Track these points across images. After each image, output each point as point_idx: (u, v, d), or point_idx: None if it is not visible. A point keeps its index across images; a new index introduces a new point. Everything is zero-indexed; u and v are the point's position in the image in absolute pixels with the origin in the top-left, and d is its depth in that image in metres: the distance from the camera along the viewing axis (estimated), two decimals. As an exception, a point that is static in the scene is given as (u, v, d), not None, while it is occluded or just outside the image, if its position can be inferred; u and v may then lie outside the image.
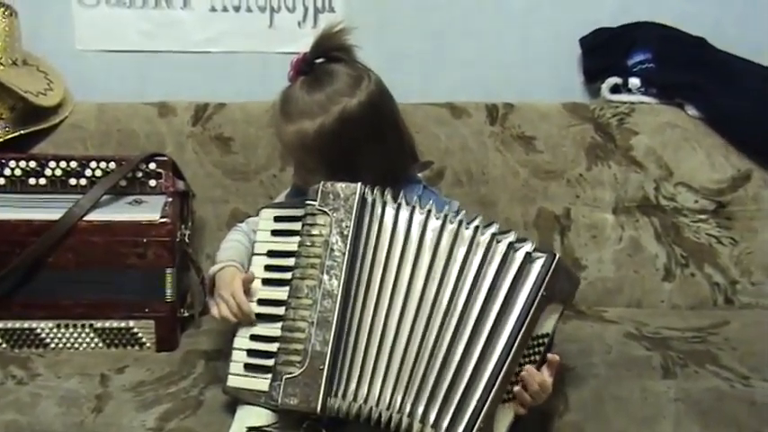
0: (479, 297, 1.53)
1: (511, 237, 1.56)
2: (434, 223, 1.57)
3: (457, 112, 2.32)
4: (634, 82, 2.38)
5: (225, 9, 2.42)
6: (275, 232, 1.66)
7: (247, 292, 1.64)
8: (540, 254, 1.55)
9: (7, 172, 2.06)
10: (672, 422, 1.70)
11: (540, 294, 1.52)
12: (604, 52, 2.43)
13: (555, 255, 1.55)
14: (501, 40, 2.48)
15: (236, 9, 2.42)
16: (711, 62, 2.37)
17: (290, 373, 1.51)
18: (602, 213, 2.28)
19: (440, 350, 1.52)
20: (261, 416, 1.60)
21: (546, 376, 1.56)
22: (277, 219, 1.67)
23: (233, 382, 1.62)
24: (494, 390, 1.50)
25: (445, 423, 1.50)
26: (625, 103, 2.37)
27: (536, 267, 1.54)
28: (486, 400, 1.49)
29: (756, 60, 2.39)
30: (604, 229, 2.27)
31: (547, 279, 1.53)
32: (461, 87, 2.45)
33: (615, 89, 2.41)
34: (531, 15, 2.46)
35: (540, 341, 1.56)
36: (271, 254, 1.65)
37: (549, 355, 1.56)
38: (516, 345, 1.51)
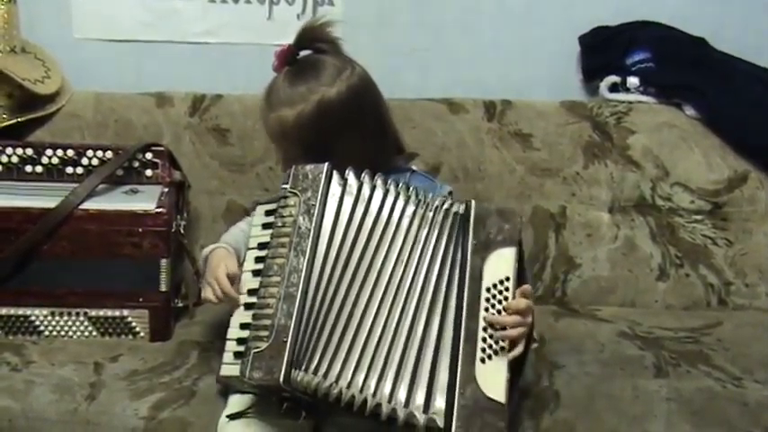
0: (423, 267, 1.58)
1: (437, 201, 1.62)
2: (390, 199, 1.61)
3: (454, 108, 2.32)
4: (633, 81, 2.38)
5: (224, 0, 2.42)
6: (265, 225, 1.67)
7: (233, 280, 1.67)
8: (457, 206, 1.61)
9: (4, 159, 2.05)
10: (663, 421, 1.70)
11: (470, 245, 1.57)
12: (603, 51, 2.43)
13: (470, 202, 1.61)
14: (500, 37, 2.48)
15: (235, 0, 2.43)
16: (711, 63, 2.37)
17: (258, 348, 1.51)
18: (597, 212, 2.28)
19: (403, 330, 1.54)
20: (244, 402, 1.62)
21: (512, 303, 1.56)
22: (267, 213, 1.69)
23: (225, 371, 1.62)
24: (460, 353, 1.51)
25: (420, 400, 1.51)
26: (623, 102, 2.37)
27: (457, 220, 1.60)
28: (457, 367, 1.51)
29: (756, 62, 2.40)
30: (599, 228, 2.27)
31: (471, 228, 1.57)
32: (459, 84, 2.45)
33: (613, 88, 2.41)
34: (530, 13, 2.46)
35: (500, 288, 1.57)
36: (261, 246, 1.66)
37: (519, 289, 1.58)
38: (465, 302, 1.54)
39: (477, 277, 1.56)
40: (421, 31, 2.47)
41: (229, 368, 1.60)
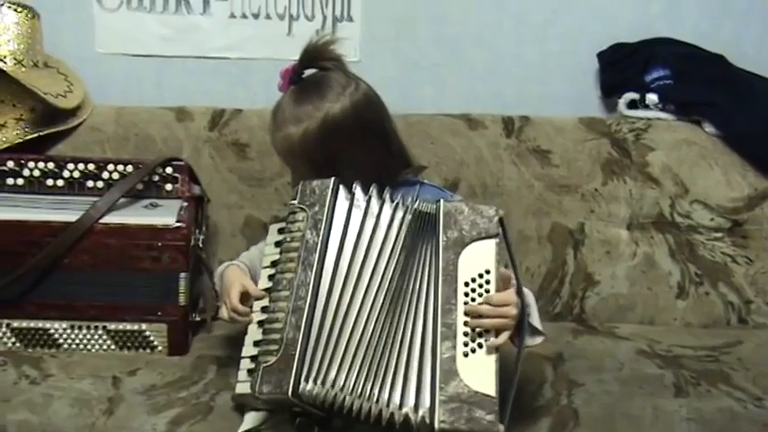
0: (406, 270, 1.59)
1: (416, 204, 1.62)
2: (392, 212, 1.62)
3: (473, 123, 2.32)
4: (651, 98, 2.37)
5: (244, 16, 2.44)
6: (277, 243, 1.68)
7: (246, 299, 1.69)
8: (427, 206, 1.62)
9: (26, 173, 2.07)
10: (683, 441, 1.69)
11: (441, 241, 1.58)
12: (622, 67, 2.43)
13: (438, 201, 1.61)
14: (519, 52, 2.48)
15: (255, 16, 2.44)
16: (730, 80, 2.37)
17: (267, 362, 1.52)
18: (616, 229, 2.27)
19: (391, 334, 1.55)
20: (259, 419, 1.63)
21: (491, 296, 1.55)
22: (279, 231, 1.70)
23: (239, 388, 1.63)
24: (438, 350, 1.52)
25: (411, 401, 1.51)
26: (642, 118, 2.36)
27: (426, 219, 1.61)
28: (436, 364, 1.51)
29: (775, 79, 2.39)
30: (618, 245, 2.26)
31: (441, 225, 1.58)
32: (478, 99, 2.46)
33: (632, 104, 2.41)
34: (549, 29, 2.46)
35: (481, 282, 1.56)
36: (273, 264, 1.67)
37: (491, 288, 1.57)
38: (441, 299, 1.54)
39: (452, 272, 1.56)
40: (440, 46, 2.47)
41: (242, 386, 1.61)
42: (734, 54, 2.41)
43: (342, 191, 1.62)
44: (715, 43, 2.42)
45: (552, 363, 1.95)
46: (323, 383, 1.51)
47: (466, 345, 1.53)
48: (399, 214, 1.62)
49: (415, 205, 1.62)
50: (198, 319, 2.07)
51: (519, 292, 1.60)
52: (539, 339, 1.66)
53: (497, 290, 1.56)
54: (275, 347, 1.53)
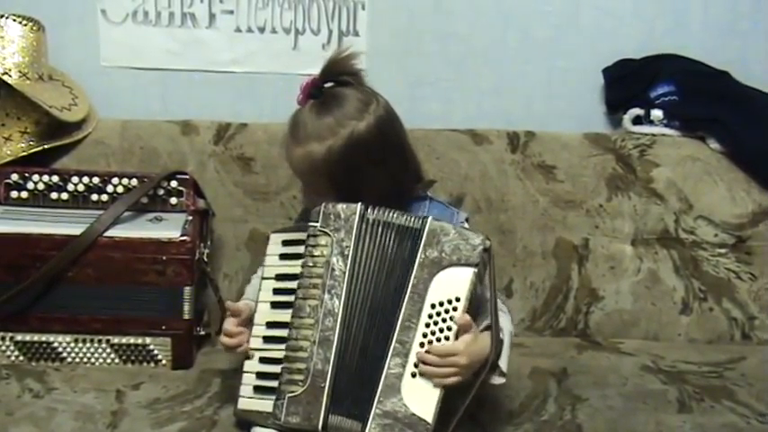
0: (388, 286, 1.58)
1: (406, 220, 1.61)
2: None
3: (478, 139, 2.32)
4: (656, 114, 2.38)
5: (250, 30, 2.44)
6: (283, 256, 1.68)
7: (246, 321, 1.69)
8: (416, 221, 1.60)
9: (30, 186, 2.07)
10: (687, 457, 1.69)
11: (417, 259, 1.56)
12: (627, 83, 2.43)
13: (426, 218, 1.59)
14: (524, 68, 2.48)
15: (261, 30, 2.44)
16: (735, 96, 2.37)
17: (293, 392, 1.54)
18: (620, 244, 2.27)
19: (366, 343, 1.57)
20: None
21: (442, 346, 1.54)
22: (285, 243, 1.69)
23: (243, 404, 1.64)
24: (387, 361, 1.53)
25: (360, 411, 1.54)
26: (647, 134, 2.36)
27: (409, 236, 1.59)
28: (381, 377, 1.52)
29: (780, 95, 2.39)
30: (623, 261, 2.26)
31: (421, 243, 1.56)
32: (483, 115, 2.46)
33: (637, 120, 2.41)
34: (554, 45, 2.47)
35: (447, 307, 1.55)
36: (279, 277, 1.67)
37: (457, 318, 1.55)
38: (403, 315, 1.54)
39: (421, 292, 1.55)
40: (445, 61, 2.47)
41: (249, 402, 1.62)
42: (739, 71, 2.41)
43: (369, 216, 1.61)
44: (720, 60, 2.42)
45: (556, 378, 1.95)
46: (349, 416, 1.54)
47: (416, 365, 1.54)
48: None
49: (402, 219, 1.61)
50: (202, 332, 2.06)
51: (493, 327, 1.58)
52: (498, 381, 1.64)
53: (459, 323, 1.54)
54: (300, 377, 1.55)
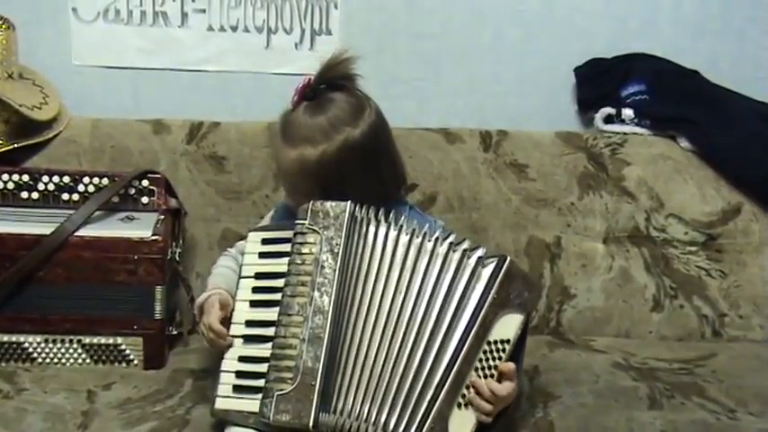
0: (437, 304, 1.58)
1: (465, 245, 1.61)
2: (404, 239, 1.61)
3: (451, 137, 2.32)
4: (627, 113, 2.39)
5: (222, 29, 2.43)
6: (263, 254, 1.68)
7: (226, 320, 1.68)
8: (491, 258, 1.59)
9: (0, 185, 2.05)
10: (658, 453, 1.70)
11: (491, 296, 1.56)
12: (599, 82, 2.44)
13: (506, 257, 1.59)
14: (496, 68, 2.49)
15: (234, 29, 2.43)
16: (705, 95, 2.39)
17: (282, 390, 1.53)
18: (592, 243, 2.28)
19: (402, 360, 1.56)
20: None
21: (496, 385, 1.56)
22: (265, 241, 1.69)
23: (221, 404, 1.62)
24: (443, 390, 1.53)
25: (402, 427, 1.53)
26: (618, 133, 2.38)
27: (487, 271, 1.58)
28: (436, 401, 1.52)
29: (749, 94, 2.41)
30: (594, 259, 2.27)
31: (497, 282, 1.56)
32: (456, 114, 2.46)
33: (608, 119, 2.42)
34: (526, 44, 2.47)
35: (498, 347, 1.57)
36: (258, 276, 1.67)
37: (502, 364, 1.57)
38: (466, 346, 1.54)
39: (486, 328, 1.56)
40: (418, 61, 2.47)
41: (226, 401, 1.61)
42: (709, 70, 2.43)
43: (358, 214, 1.62)
44: (691, 59, 2.44)
45: (528, 375, 1.96)
46: (341, 413, 1.54)
47: (464, 397, 1.55)
48: (405, 238, 1.61)
49: (437, 234, 1.61)
50: (174, 332, 2.06)
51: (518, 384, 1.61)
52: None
53: (503, 370, 1.56)
54: (289, 375, 1.54)
